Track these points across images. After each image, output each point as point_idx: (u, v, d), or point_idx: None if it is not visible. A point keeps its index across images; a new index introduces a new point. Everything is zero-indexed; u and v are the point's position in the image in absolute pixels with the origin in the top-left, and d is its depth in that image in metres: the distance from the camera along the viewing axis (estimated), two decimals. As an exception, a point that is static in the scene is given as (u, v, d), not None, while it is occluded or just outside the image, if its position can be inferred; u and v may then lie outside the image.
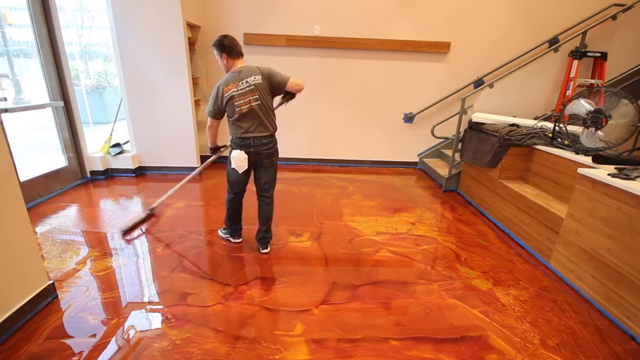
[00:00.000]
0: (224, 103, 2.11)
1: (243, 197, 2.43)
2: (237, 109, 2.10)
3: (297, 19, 4.14)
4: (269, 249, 2.46)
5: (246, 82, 2.10)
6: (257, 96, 2.11)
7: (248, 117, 2.13)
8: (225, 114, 2.19)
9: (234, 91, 2.09)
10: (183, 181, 2.66)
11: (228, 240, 2.56)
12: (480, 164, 3.30)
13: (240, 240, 2.56)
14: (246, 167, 2.21)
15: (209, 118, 2.24)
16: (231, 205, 2.44)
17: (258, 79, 2.12)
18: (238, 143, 2.19)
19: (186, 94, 3.83)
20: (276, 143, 2.29)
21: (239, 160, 2.18)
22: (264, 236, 2.44)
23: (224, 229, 2.60)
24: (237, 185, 2.34)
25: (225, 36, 2.13)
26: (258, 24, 4.15)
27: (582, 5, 4.05)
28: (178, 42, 3.63)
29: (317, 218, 3.04)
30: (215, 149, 2.44)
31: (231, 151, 2.23)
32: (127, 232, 2.53)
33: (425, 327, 1.78)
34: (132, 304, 1.88)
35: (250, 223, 2.64)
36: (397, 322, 1.81)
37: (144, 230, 2.70)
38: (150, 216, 2.70)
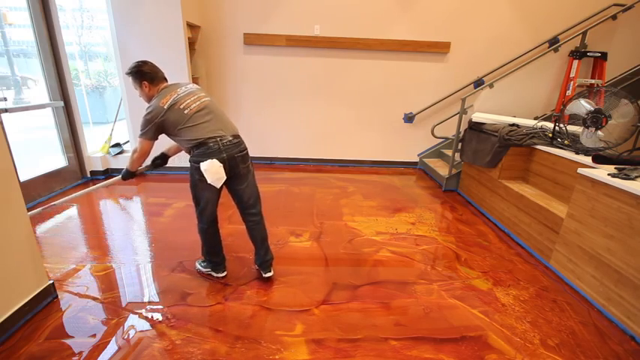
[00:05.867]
0: (162, 117, 1.78)
1: (218, 223, 2.07)
2: (185, 111, 1.78)
3: (297, 19, 4.14)
4: (272, 272, 2.13)
5: (185, 87, 1.88)
6: (204, 94, 1.90)
7: (202, 113, 1.82)
8: (165, 133, 1.87)
9: (174, 97, 1.80)
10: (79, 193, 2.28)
11: (210, 275, 2.14)
12: (479, 164, 3.30)
13: (224, 274, 2.13)
14: (225, 177, 1.85)
15: (139, 140, 1.87)
16: (207, 238, 2.05)
17: (196, 86, 1.93)
18: (204, 152, 1.79)
19: (186, 94, 3.83)
20: (245, 146, 1.96)
21: (215, 171, 1.78)
22: (265, 259, 2.11)
23: (202, 261, 2.18)
24: (210, 211, 1.96)
25: (144, 62, 1.89)
26: (258, 24, 4.15)
27: (582, 5, 4.05)
28: (178, 42, 3.63)
29: (317, 218, 3.04)
30: (132, 174, 2.06)
31: (197, 168, 1.80)
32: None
33: (425, 327, 1.78)
34: (132, 304, 1.88)
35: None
36: (397, 322, 1.81)
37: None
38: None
